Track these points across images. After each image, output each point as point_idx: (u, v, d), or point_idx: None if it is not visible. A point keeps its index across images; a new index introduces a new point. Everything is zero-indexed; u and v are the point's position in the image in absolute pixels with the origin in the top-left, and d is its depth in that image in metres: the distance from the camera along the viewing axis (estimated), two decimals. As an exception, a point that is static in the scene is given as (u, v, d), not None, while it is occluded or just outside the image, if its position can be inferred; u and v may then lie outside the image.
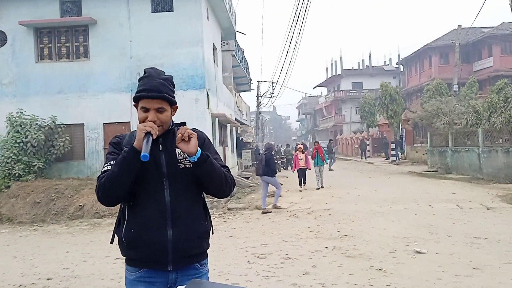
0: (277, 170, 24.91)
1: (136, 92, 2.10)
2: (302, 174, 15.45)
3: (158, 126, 2.04)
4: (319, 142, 17.51)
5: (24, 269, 6.35)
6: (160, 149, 2.11)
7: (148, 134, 1.98)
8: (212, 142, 2.37)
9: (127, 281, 2.14)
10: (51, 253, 7.43)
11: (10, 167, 12.89)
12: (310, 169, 15.58)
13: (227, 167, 2.23)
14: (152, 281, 2.07)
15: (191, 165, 2.09)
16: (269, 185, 11.64)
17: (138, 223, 2.06)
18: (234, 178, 2.35)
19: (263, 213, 10.71)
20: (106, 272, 5.96)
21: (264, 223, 9.32)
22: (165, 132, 2.14)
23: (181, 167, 2.10)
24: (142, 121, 2.06)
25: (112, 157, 2.10)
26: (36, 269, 6.32)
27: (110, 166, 2.05)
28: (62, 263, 6.63)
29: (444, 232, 7.65)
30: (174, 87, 2.18)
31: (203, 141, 2.19)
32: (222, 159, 2.31)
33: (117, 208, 2.17)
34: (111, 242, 2.21)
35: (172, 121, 2.22)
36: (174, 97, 2.15)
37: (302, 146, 16.00)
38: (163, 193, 2.06)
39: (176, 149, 2.10)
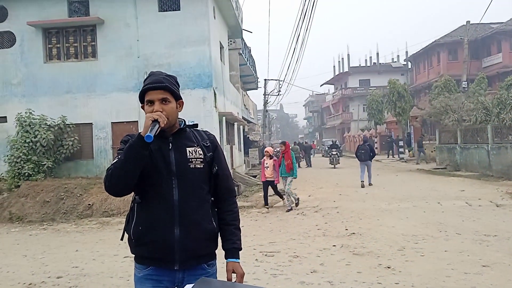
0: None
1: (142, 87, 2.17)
2: (268, 187, 11.55)
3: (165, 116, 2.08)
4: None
5: (34, 268, 6.41)
6: (170, 147, 2.13)
7: (155, 121, 2.00)
8: (219, 141, 2.43)
9: (135, 278, 2.15)
10: (60, 252, 7.49)
11: (20, 167, 13.00)
12: (278, 183, 11.44)
13: (232, 179, 2.37)
14: (159, 279, 2.09)
15: (201, 166, 2.14)
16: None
17: (146, 221, 2.07)
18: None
19: (362, 186, 14.45)
20: (115, 270, 6.00)
21: (271, 221, 9.33)
22: (176, 131, 2.18)
23: (191, 166, 2.12)
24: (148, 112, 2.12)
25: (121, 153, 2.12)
26: (46, 268, 6.37)
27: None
28: (71, 261, 6.68)
29: (453, 229, 7.60)
30: (178, 85, 2.23)
31: (215, 147, 2.26)
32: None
33: (126, 206, 2.20)
34: (121, 239, 2.22)
35: (184, 121, 2.25)
36: (178, 91, 2.20)
37: (270, 150, 12.01)
38: (172, 192, 2.07)
39: (187, 148, 2.14)
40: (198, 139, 2.23)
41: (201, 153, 2.17)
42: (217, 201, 2.24)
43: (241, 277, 2.13)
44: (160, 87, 2.11)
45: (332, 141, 29.32)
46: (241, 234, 2.27)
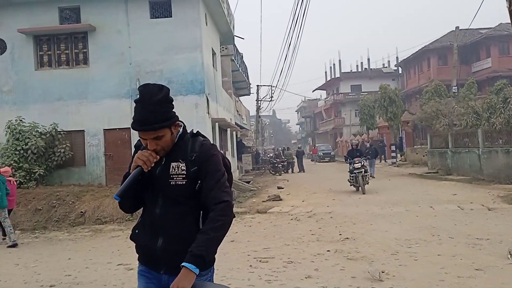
0: (279, 174, 25.29)
1: (132, 121, 2.09)
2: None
3: (160, 150, 2.09)
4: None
5: (27, 277, 6.34)
6: (163, 162, 2.14)
7: (138, 167, 2.05)
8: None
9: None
10: (53, 260, 7.42)
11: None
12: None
13: (224, 187, 2.10)
14: (149, 277, 2.19)
15: (183, 182, 2.09)
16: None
17: (139, 226, 2.24)
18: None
19: (372, 177, 18.01)
20: (108, 278, 5.96)
21: (265, 227, 9.31)
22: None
23: (172, 183, 2.10)
24: (144, 146, 2.13)
25: (130, 163, 2.20)
26: (38, 276, 6.31)
27: None
28: (64, 270, 6.62)
29: (446, 233, 7.64)
30: (171, 103, 2.09)
31: (202, 160, 2.09)
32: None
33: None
34: None
35: (184, 126, 2.21)
36: (171, 117, 2.07)
37: (6, 171, 9.47)
38: (155, 205, 2.14)
39: (171, 163, 2.11)
40: (187, 151, 2.12)
41: (184, 168, 2.09)
42: (206, 213, 2.11)
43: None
44: (148, 129, 2.02)
45: (352, 145, 16.50)
46: (212, 242, 2.04)
